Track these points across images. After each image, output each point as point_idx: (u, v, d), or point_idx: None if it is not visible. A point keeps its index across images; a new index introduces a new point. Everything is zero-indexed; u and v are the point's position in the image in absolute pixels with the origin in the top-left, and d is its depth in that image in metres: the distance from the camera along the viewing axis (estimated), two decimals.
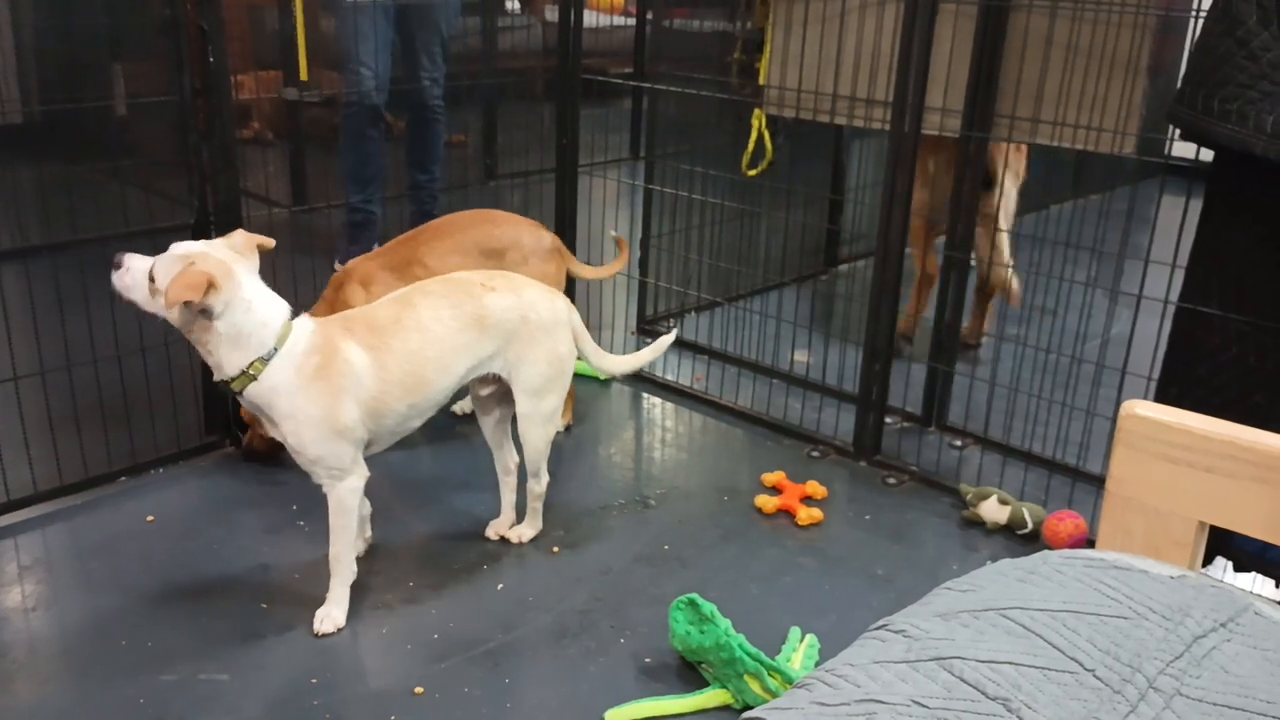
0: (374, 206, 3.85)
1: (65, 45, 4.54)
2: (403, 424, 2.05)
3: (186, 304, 1.81)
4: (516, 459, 2.32)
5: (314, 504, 2.14)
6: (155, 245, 2.42)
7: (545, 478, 2.29)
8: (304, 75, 3.38)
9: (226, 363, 1.88)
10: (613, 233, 2.80)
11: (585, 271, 2.75)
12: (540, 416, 2.18)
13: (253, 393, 1.90)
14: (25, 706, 1.79)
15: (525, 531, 2.33)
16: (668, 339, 2.34)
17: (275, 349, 1.89)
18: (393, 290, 2.29)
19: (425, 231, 2.61)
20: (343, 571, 2.03)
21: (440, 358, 2.03)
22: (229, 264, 1.86)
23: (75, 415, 2.41)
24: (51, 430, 2.39)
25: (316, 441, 1.93)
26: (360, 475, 2.01)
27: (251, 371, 1.88)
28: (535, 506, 2.32)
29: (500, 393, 2.22)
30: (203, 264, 1.83)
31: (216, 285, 1.82)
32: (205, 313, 1.84)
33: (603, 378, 3.18)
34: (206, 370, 2.62)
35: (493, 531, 2.34)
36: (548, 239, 2.65)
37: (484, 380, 2.18)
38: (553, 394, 2.18)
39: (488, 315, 2.07)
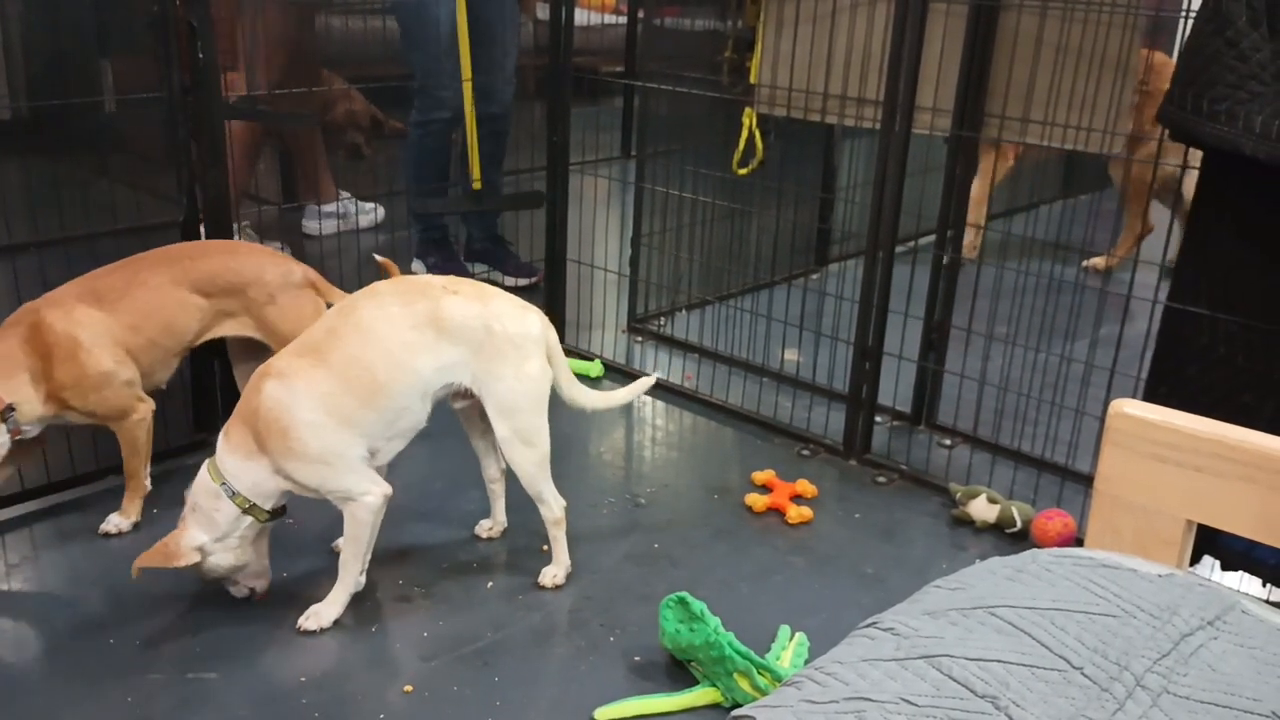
0: (444, 219, 3.85)
1: (53, 41, 4.52)
2: (391, 427, 1.99)
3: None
4: (502, 465, 2.28)
5: (304, 503, 2.13)
6: (144, 242, 2.42)
7: (556, 502, 2.13)
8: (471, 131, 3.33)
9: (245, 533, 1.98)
10: (376, 256, 2.53)
11: None
12: (520, 439, 2.04)
13: (265, 491, 1.96)
14: (12, 705, 1.78)
15: (555, 572, 2.17)
16: (647, 381, 2.26)
17: (225, 485, 1.93)
18: (97, 323, 2.17)
19: (147, 258, 2.30)
20: (347, 579, 2.02)
21: (390, 355, 1.94)
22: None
23: None
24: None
25: (307, 475, 1.93)
26: (374, 493, 1.98)
27: (242, 505, 1.94)
28: (557, 536, 2.16)
29: (477, 407, 2.11)
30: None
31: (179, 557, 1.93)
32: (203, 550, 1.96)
33: (594, 374, 3.18)
34: (196, 368, 2.62)
35: (482, 531, 2.34)
36: (298, 272, 2.37)
37: (457, 394, 2.08)
38: (529, 413, 2.03)
39: (445, 317, 1.97)
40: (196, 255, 2.33)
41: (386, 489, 2.00)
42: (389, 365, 1.95)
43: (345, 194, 4.32)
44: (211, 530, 1.93)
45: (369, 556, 2.05)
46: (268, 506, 1.95)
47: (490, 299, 2.03)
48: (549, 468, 2.10)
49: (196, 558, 1.93)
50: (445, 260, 3.72)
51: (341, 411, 1.92)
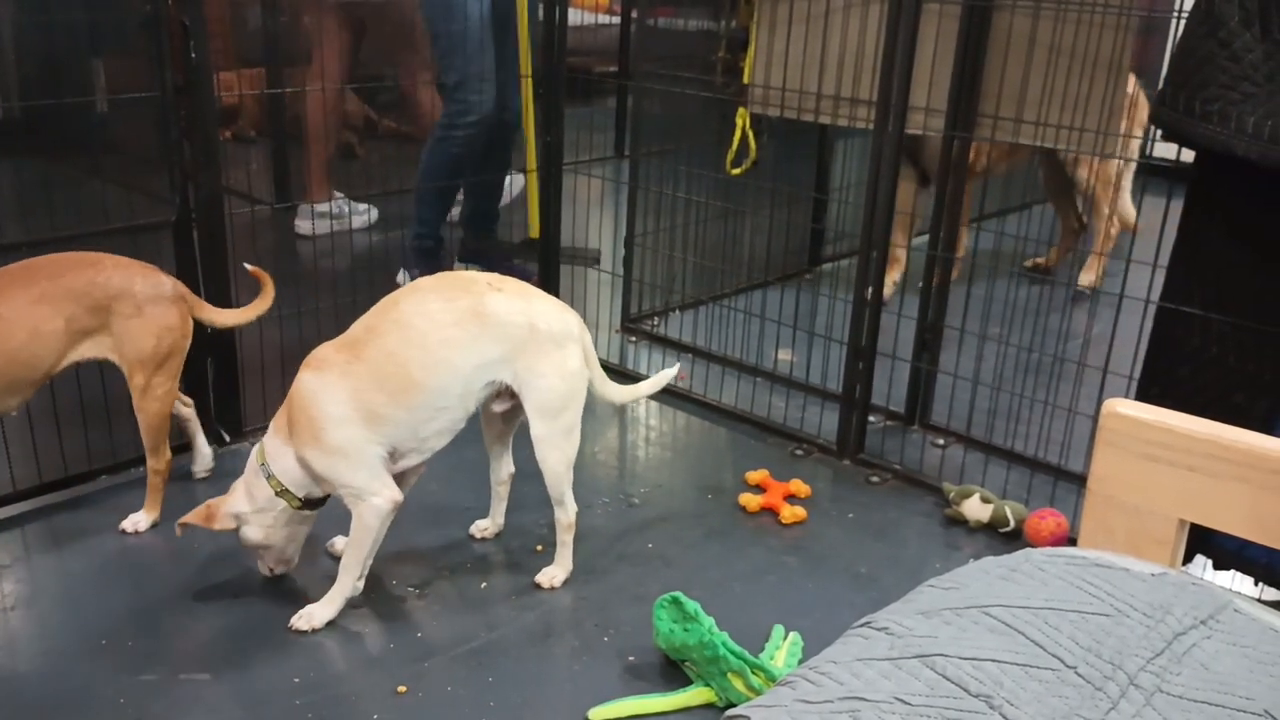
0: (443, 230, 3.73)
1: (45, 41, 4.51)
2: (424, 427, 1.98)
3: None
4: (511, 469, 2.29)
5: None
6: (135, 243, 2.42)
7: (572, 506, 2.13)
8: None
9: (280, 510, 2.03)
10: (247, 266, 2.41)
11: (222, 317, 2.35)
12: (556, 437, 2.05)
13: (295, 479, 2.00)
14: (4, 707, 1.78)
15: (555, 574, 2.17)
16: (669, 373, 2.27)
17: (264, 465, 2.01)
18: None
19: (2, 277, 2.11)
20: (345, 582, 2.02)
21: (428, 352, 1.95)
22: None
23: (55, 413, 2.39)
24: (31, 428, 2.38)
25: (323, 466, 1.95)
26: (383, 496, 1.97)
27: (276, 488, 1.99)
28: (565, 540, 2.16)
29: (510, 410, 2.13)
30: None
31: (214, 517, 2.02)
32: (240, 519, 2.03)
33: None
34: (188, 372, 2.61)
35: (478, 531, 2.34)
36: (168, 285, 2.22)
37: (499, 395, 2.08)
38: (568, 411, 2.05)
39: (489, 313, 1.98)
40: (61, 271, 2.14)
41: (397, 495, 1.99)
42: (426, 362, 1.95)
43: (339, 194, 4.31)
44: (250, 504, 2.01)
45: (369, 563, 2.05)
46: (299, 494, 1.99)
47: (533, 297, 2.05)
48: (572, 471, 2.12)
49: (231, 524, 2.01)
50: (431, 273, 3.69)
51: (370, 407, 1.93)
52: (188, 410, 2.49)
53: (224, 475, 2.49)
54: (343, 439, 1.93)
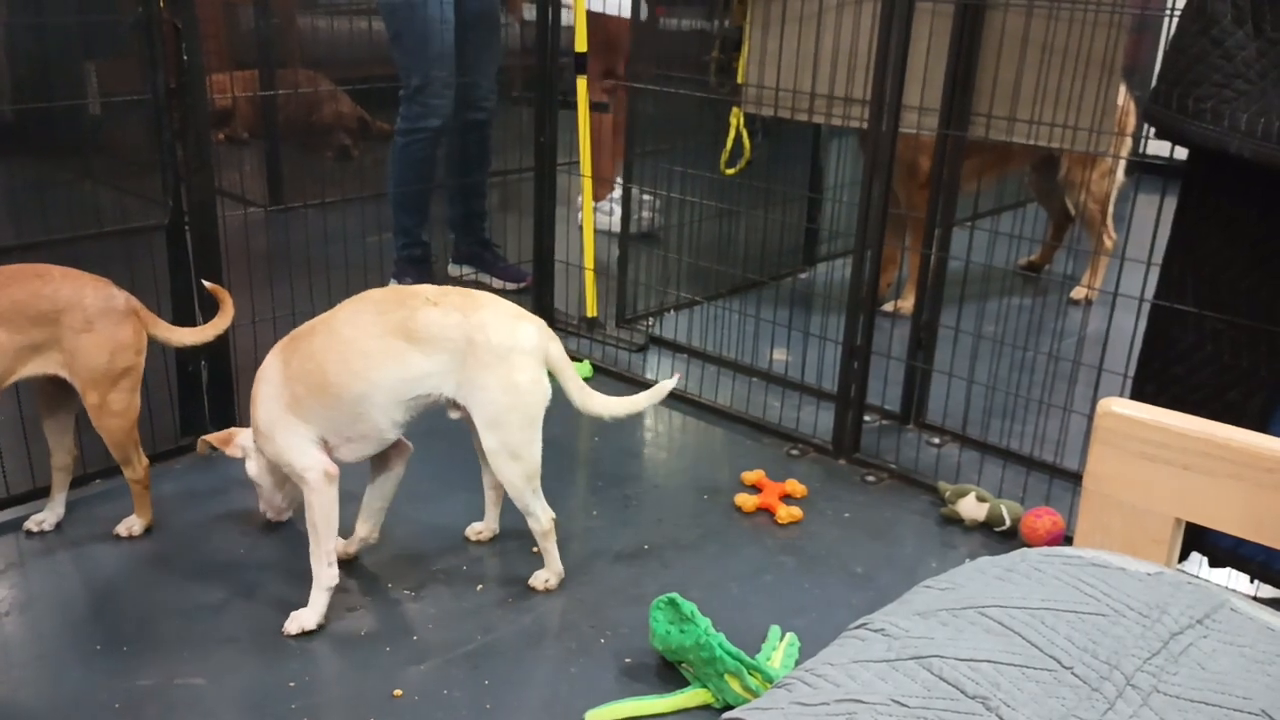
0: (426, 235, 3.64)
1: (37, 44, 4.50)
2: (348, 428, 1.99)
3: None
4: None
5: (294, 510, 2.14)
6: (129, 246, 2.41)
7: (544, 514, 2.09)
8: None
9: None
10: (206, 283, 2.37)
11: (178, 335, 2.27)
12: (506, 452, 2.01)
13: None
14: None
15: (547, 577, 2.16)
16: (668, 384, 2.18)
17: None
18: None
19: None
20: (320, 573, 2.01)
21: (346, 360, 1.95)
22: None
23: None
24: (24, 433, 2.37)
25: (260, 442, 2.08)
26: (315, 470, 1.99)
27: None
28: (547, 546, 2.13)
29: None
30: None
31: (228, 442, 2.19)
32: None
33: (583, 375, 3.16)
34: (181, 374, 2.61)
35: (472, 534, 2.33)
36: (120, 298, 2.13)
37: (449, 404, 2.05)
38: (516, 428, 1.99)
39: (419, 328, 1.96)
40: (5, 282, 2.04)
41: (330, 467, 2.01)
42: (341, 370, 1.96)
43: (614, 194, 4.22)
44: (251, 443, 2.18)
45: (332, 549, 2.02)
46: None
47: (476, 309, 1.99)
48: (539, 481, 2.07)
49: (239, 454, 2.18)
50: (422, 281, 3.67)
51: (293, 393, 2.00)
52: (67, 459, 2.31)
53: (230, 482, 2.49)
54: (267, 417, 2.02)
